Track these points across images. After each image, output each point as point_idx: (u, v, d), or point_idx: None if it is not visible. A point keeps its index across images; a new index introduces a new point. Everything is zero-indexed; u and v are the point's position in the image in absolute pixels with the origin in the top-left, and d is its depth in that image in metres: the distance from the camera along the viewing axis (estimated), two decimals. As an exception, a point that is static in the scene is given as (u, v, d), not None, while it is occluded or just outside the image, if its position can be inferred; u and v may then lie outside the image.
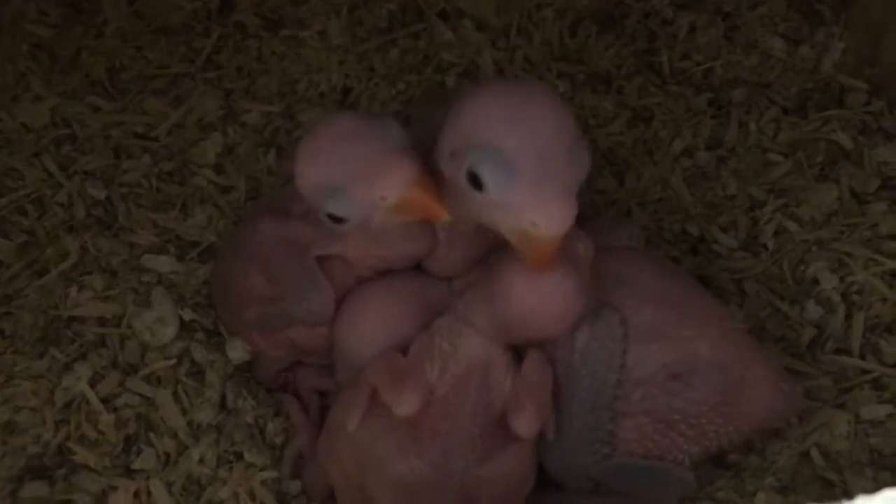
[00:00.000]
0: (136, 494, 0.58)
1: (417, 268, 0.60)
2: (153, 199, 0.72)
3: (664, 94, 0.79)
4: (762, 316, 0.66)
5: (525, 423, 0.53)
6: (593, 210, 0.71)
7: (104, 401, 0.61)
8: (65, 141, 0.74)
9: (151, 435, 0.60)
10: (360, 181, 0.50)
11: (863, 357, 0.63)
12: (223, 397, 0.63)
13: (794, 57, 0.80)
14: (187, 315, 0.65)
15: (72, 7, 0.82)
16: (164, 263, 0.68)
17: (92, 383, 0.61)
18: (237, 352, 0.64)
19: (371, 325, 0.58)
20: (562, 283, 0.52)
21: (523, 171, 0.48)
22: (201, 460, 0.60)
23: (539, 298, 0.52)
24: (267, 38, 0.82)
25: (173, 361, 0.63)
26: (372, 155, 0.51)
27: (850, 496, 0.55)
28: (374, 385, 0.53)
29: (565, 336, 0.54)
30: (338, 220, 0.53)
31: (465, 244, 0.57)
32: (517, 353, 0.55)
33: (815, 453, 0.58)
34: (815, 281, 0.67)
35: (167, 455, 0.60)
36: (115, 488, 0.58)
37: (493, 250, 0.55)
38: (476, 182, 0.49)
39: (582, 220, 0.50)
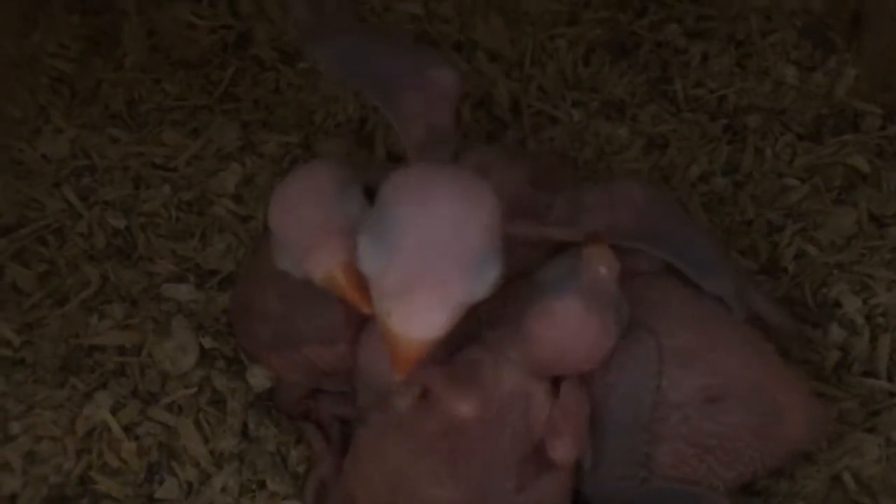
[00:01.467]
0: (159, 523, 0.58)
1: None
2: (172, 229, 0.72)
3: (679, 122, 0.79)
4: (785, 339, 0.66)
5: (563, 451, 0.52)
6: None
7: (125, 429, 0.60)
8: (84, 172, 0.75)
9: (174, 464, 0.60)
10: (295, 247, 0.51)
11: (890, 379, 0.62)
12: (245, 425, 0.62)
13: (807, 83, 0.80)
14: (207, 343, 0.65)
15: (91, 41, 0.82)
16: (183, 292, 0.68)
17: (113, 412, 0.61)
18: (258, 379, 0.64)
19: None
20: (588, 320, 0.50)
21: (400, 250, 0.41)
22: (224, 489, 0.59)
23: (568, 339, 0.50)
24: (284, 71, 0.82)
25: (194, 390, 0.62)
26: (314, 226, 0.50)
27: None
28: (427, 384, 0.52)
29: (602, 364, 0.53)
30: None
31: None
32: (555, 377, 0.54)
33: (846, 477, 0.58)
34: (838, 304, 0.66)
35: (189, 484, 0.59)
36: (137, 518, 0.58)
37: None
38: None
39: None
